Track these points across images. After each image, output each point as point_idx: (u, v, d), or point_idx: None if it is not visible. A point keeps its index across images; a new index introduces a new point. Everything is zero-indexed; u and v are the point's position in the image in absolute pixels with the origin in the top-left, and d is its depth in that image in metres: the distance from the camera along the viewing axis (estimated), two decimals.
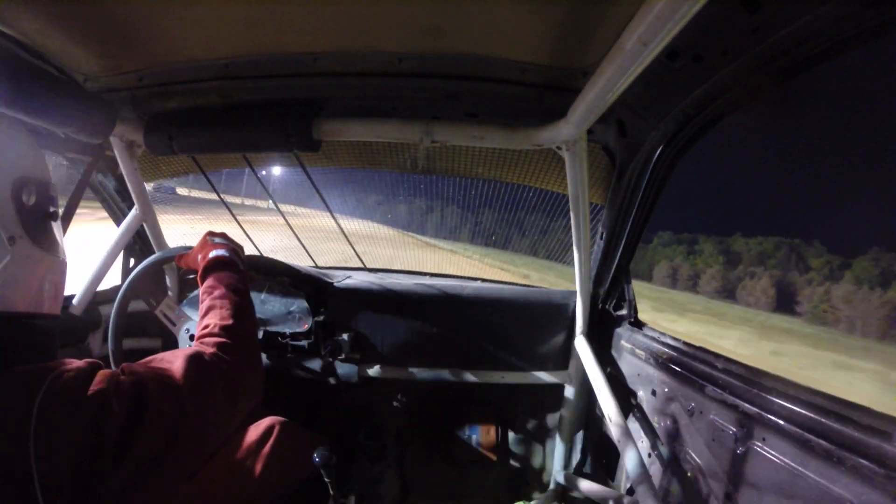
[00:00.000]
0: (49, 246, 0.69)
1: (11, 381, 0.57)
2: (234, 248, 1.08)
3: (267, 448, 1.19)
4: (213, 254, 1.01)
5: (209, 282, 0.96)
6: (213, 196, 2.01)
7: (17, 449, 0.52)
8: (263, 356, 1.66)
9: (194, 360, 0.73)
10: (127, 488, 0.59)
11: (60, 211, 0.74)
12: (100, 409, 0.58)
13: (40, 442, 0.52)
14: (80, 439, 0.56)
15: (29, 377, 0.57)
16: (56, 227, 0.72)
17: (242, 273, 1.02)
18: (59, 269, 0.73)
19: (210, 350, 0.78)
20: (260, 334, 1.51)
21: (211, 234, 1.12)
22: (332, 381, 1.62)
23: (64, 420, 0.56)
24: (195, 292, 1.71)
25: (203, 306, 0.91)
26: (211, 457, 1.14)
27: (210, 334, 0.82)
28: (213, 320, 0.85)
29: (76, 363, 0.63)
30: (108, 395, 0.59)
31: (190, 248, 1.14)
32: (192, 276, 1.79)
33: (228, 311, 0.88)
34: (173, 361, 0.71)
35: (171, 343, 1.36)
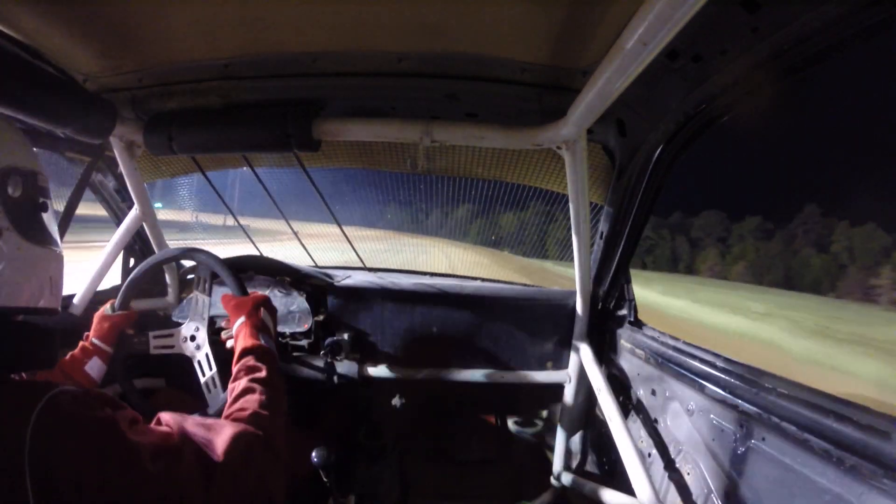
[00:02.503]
0: (40, 238, 0.67)
1: (7, 394, 0.55)
2: (273, 333, 1.10)
3: None
4: (264, 341, 1.02)
5: (251, 361, 0.95)
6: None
7: (12, 464, 0.51)
8: None
9: (241, 440, 0.71)
10: None
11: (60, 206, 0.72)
12: (114, 441, 0.57)
13: (36, 457, 0.51)
14: (80, 461, 0.54)
15: (26, 389, 0.56)
16: (48, 218, 0.70)
17: (279, 370, 1.02)
18: (54, 261, 0.71)
19: (252, 436, 0.75)
20: None
21: (266, 305, 1.12)
22: (332, 381, 1.62)
23: (63, 438, 0.54)
24: (192, 294, 1.71)
25: (240, 383, 0.89)
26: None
27: (247, 419, 0.79)
28: (253, 406, 0.83)
29: (82, 388, 0.61)
30: (124, 430, 0.59)
31: (244, 292, 1.15)
32: (191, 277, 1.79)
33: (265, 402, 0.86)
34: (219, 432, 0.70)
35: None
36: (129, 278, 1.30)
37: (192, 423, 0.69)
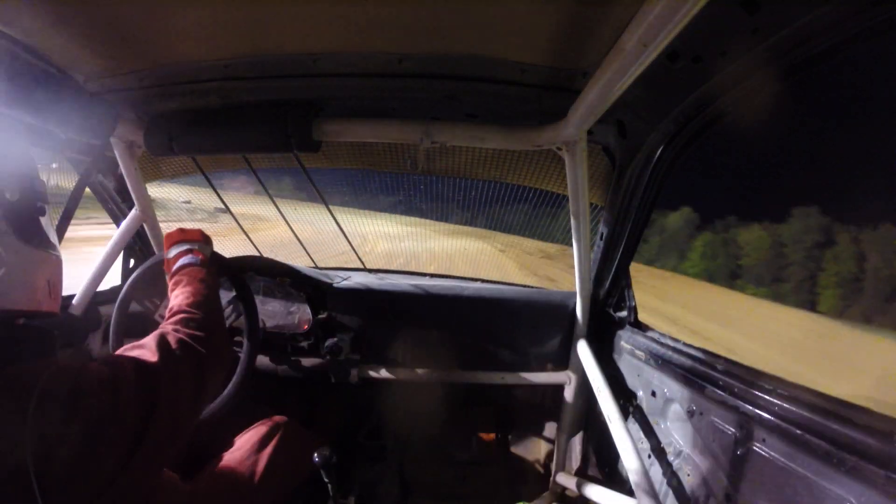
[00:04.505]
0: (38, 242, 0.68)
1: (5, 382, 0.57)
2: (197, 250, 1.11)
3: (270, 447, 1.19)
4: (176, 266, 1.06)
5: (176, 278, 1.02)
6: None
7: (13, 449, 0.52)
8: (265, 358, 1.66)
9: (163, 338, 0.76)
10: (120, 478, 0.60)
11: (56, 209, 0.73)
12: (88, 405, 0.59)
13: (36, 441, 0.53)
14: (73, 436, 0.57)
15: (22, 378, 0.57)
16: (46, 222, 0.71)
17: (208, 269, 1.07)
18: (53, 264, 0.71)
19: (175, 328, 0.81)
20: (260, 334, 1.52)
21: (174, 239, 1.13)
22: (332, 381, 1.62)
23: (58, 419, 0.56)
24: None
25: (170, 297, 0.97)
26: (215, 455, 1.14)
27: (174, 314, 0.86)
28: (177, 302, 0.91)
29: (69, 363, 0.63)
30: (92, 390, 0.61)
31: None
32: None
33: (192, 296, 0.93)
34: (145, 344, 0.74)
35: None
36: (112, 327, 1.31)
37: (126, 353, 0.73)
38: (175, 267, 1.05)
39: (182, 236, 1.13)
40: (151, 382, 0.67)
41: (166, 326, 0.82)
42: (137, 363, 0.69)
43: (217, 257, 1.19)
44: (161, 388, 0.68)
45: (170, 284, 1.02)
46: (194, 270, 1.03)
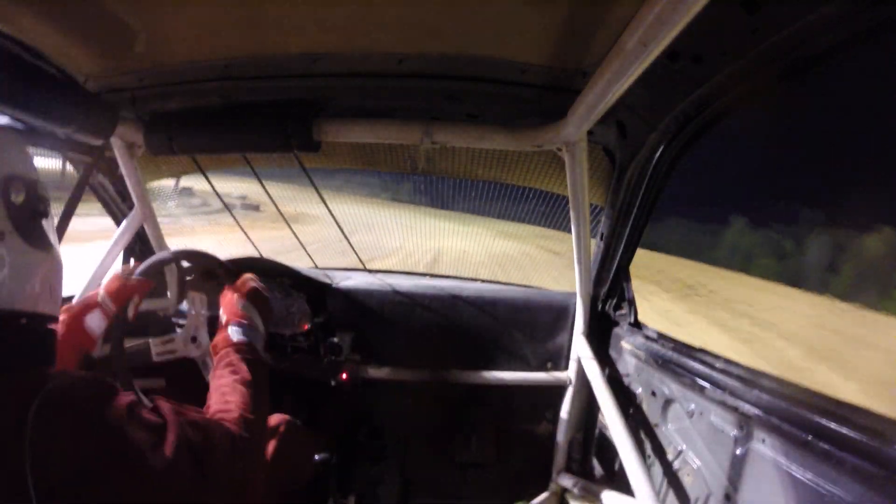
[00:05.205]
0: (41, 244, 0.68)
1: (6, 385, 0.56)
2: (257, 325, 1.07)
3: (270, 447, 1.19)
4: (234, 338, 1.00)
5: (232, 358, 0.95)
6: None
7: (12, 455, 0.51)
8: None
9: (229, 439, 0.75)
10: None
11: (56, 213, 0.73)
12: (112, 429, 0.58)
13: (36, 448, 0.52)
14: (80, 450, 0.55)
15: (25, 382, 0.57)
16: (48, 225, 0.71)
17: (259, 356, 1.01)
18: (54, 267, 0.72)
19: (236, 429, 0.78)
20: None
21: (248, 293, 1.09)
22: (332, 381, 1.62)
23: (63, 428, 0.55)
24: (191, 294, 1.71)
25: (223, 379, 0.90)
26: None
27: (232, 413, 0.82)
28: (238, 408, 0.84)
29: (79, 373, 0.63)
30: (123, 419, 0.60)
31: (232, 273, 1.15)
32: (190, 278, 1.79)
33: (249, 404, 0.86)
34: (210, 428, 0.73)
35: None
36: (159, 255, 1.27)
37: (186, 420, 0.71)
38: (233, 339, 1.00)
39: (256, 299, 1.09)
40: (204, 469, 0.67)
41: (226, 423, 0.79)
42: (193, 447, 0.68)
43: (247, 260, 1.16)
44: (209, 480, 0.68)
45: (220, 349, 0.98)
46: (249, 358, 0.97)
